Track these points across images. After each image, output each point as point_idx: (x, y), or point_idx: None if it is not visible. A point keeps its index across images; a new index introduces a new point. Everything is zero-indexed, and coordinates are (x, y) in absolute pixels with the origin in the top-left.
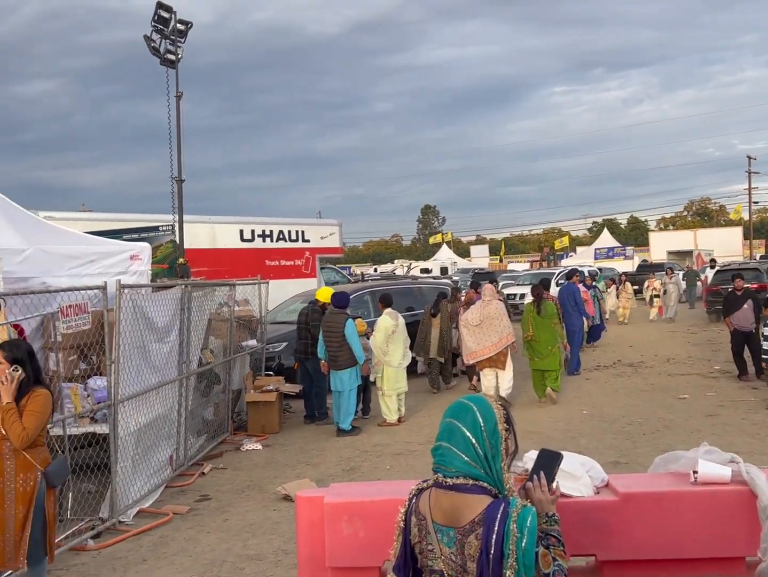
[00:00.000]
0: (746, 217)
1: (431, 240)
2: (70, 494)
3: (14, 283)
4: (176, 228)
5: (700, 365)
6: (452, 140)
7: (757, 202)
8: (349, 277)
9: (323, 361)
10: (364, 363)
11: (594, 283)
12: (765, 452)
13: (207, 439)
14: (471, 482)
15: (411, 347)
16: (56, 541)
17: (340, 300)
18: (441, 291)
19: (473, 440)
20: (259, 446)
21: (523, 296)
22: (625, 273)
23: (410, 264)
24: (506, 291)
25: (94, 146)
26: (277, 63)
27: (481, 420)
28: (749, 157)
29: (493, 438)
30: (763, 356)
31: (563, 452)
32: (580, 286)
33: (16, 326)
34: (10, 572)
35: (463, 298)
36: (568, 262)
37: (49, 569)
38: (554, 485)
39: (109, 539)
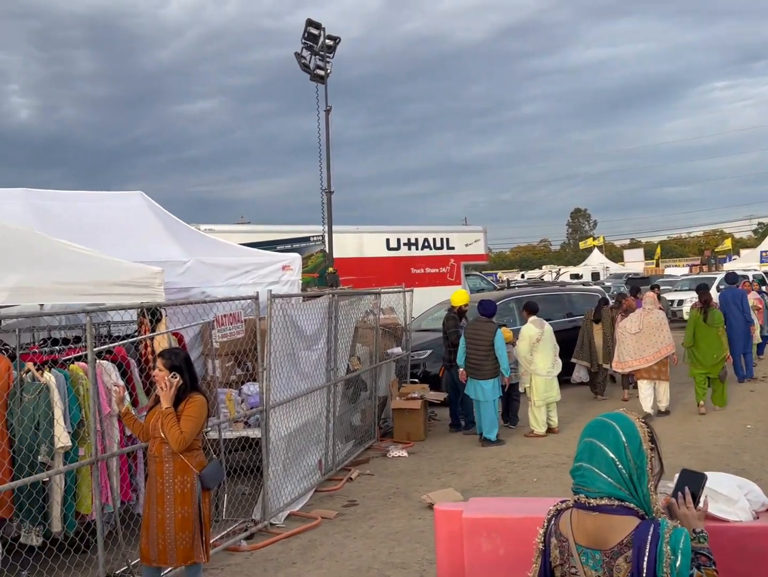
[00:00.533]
0: None
1: (582, 245)
2: (225, 496)
3: (176, 293)
4: (326, 238)
5: None
6: (603, 142)
7: None
8: (494, 284)
9: (461, 369)
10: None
11: (763, 288)
12: None
13: (354, 445)
14: (616, 503)
15: (562, 355)
16: (212, 541)
17: (487, 308)
18: (603, 297)
19: (616, 461)
20: (404, 453)
21: (681, 302)
22: None
23: (559, 270)
24: (666, 296)
25: (252, 161)
26: (424, 72)
27: (624, 439)
28: None
29: (638, 458)
30: None
31: (717, 473)
32: (753, 293)
33: (176, 334)
34: (170, 569)
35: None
36: (731, 266)
37: (205, 568)
38: (701, 502)
39: (261, 541)
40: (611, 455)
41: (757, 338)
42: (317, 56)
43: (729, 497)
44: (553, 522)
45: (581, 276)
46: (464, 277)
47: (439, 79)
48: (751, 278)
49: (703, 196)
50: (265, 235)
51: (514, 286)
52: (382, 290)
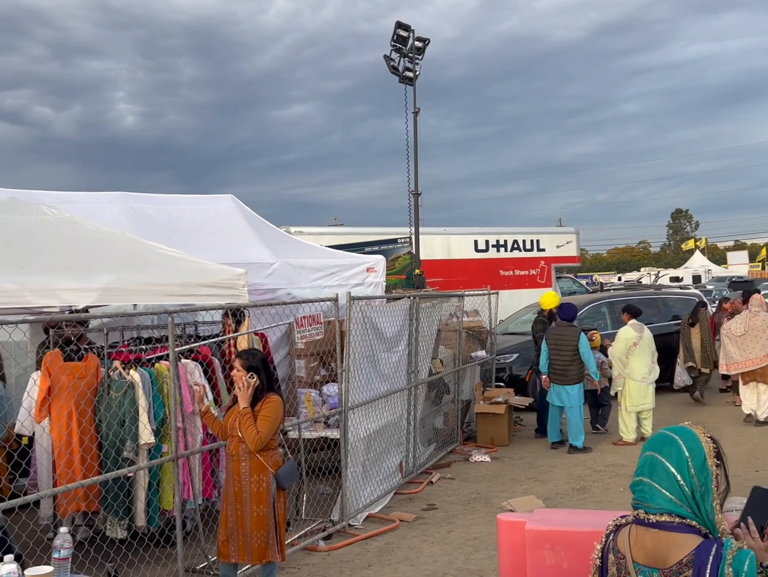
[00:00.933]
0: None
1: (683, 246)
2: (305, 495)
3: (263, 294)
4: (413, 240)
5: None
6: (706, 140)
7: None
8: (587, 287)
9: (544, 376)
10: (594, 379)
11: None
12: None
13: (436, 448)
14: (678, 520)
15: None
16: (291, 540)
17: (567, 312)
18: (700, 300)
19: (678, 477)
20: (487, 458)
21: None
22: None
23: (658, 272)
24: None
25: (346, 163)
26: (520, 72)
27: (687, 454)
28: None
29: (702, 474)
30: None
31: None
32: None
33: (260, 335)
34: (248, 566)
35: (727, 308)
36: None
37: (282, 567)
38: None
39: (338, 542)
40: (673, 470)
41: None
42: (406, 58)
43: None
44: (611, 538)
45: (681, 279)
46: (555, 280)
47: (534, 78)
48: None
49: None
50: (354, 237)
51: (608, 290)
52: (466, 293)
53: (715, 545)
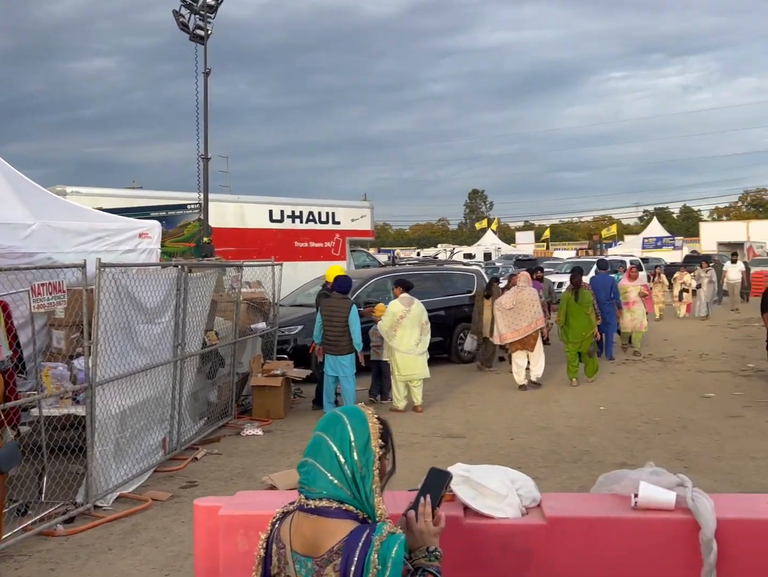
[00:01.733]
0: None
1: (477, 225)
2: (46, 476)
3: (19, 258)
4: (203, 206)
5: (733, 361)
6: (506, 125)
7: None
8: (378, 261)
9: (318, 346)
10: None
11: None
12: None
13: (208, 423)
14: (335, 505)
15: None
16: (25, 525)
17: (342, 285)
18: (494, 276)
19: (341, 457)
20: (259, 432)
21: (561, 284)
22: (658, 265)
23: (453, 249)
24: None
25: (151, 123)
26: (334, 44)
27: (351, 434)
28: None
29: (364, 456)
30: None
31: (493, 467)
32: (636, 281)
33: (1, 302)
34: None
35: (502, 286)
36: (615, 251)
37: (11, 554)
38: (441, 514)
39: (81, 525)
40: (335, 450)
41: (644, 325)
42: (197, 15)
43: (498, 493)
44: (276, 526)
45: (474, 256)
46: (349, 253)
47: (348, 52)
48: (629, 263)
49: (595, 183)
50: (140, 201)
51: (403, 264)
52: (245, 263)
53: (367, 531)
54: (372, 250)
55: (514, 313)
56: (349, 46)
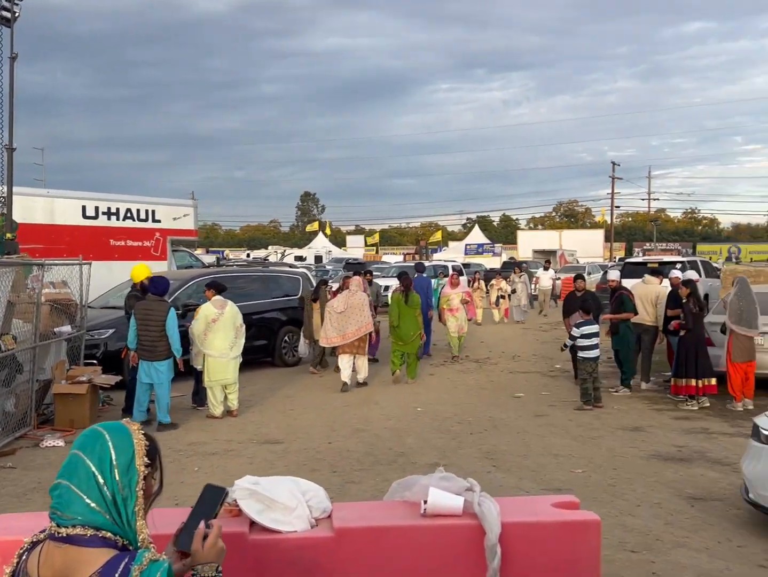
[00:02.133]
0: (609, 220)
1: (308, 228)
2: None
3: None
4: (6, 201)
5: (542, 363)
6: (338, 129)
7: (618, 207)
8: (202, 261)
9: (132, 352)
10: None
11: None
12: (583, 455)
13: (3, 434)
14: (90, 532)
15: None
16: None
17: (158, 286)
18: (322, 278)
19: (99, 478)
20: (61, 443)
21: (387, 287)
22: (477, 271)
23: (284, 251)
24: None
25: None
26: (162, 38)
27: (113, 452)
28: (613, 163)
29: (127, 476)
30: (578, 356)
31: (283, 478)
32: (458, 288)
33: None
34: None
35: (334, 288)
36: (440, 257)
37: None
38: (214, 532)
39: None
40: (94, 469)
41: (464, 330)
42: None
43: (287, 505)
44: (24, 557)
45: (305, 258)
46: (171, 253)
47: (178, 46)
48: (450, 268)
49: (423, 190)
50: None
51: (229, 265)
52: (47, 262)
53: (125, 560)
54: (200, 251)
55: (344, 317)
56: (179, 40)
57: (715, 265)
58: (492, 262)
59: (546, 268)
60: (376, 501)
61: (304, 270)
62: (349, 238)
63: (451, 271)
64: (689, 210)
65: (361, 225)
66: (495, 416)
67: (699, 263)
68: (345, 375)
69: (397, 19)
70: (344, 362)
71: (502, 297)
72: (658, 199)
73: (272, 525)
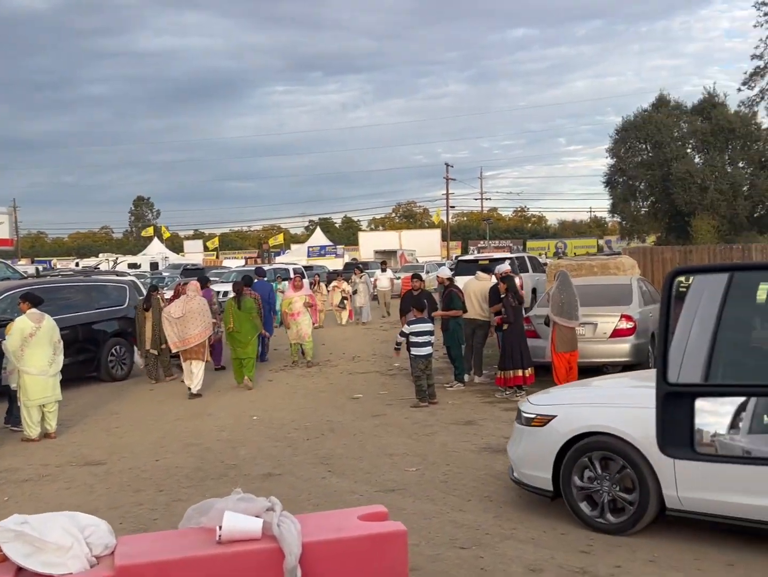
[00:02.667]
0: (445, 220)
1: (143, 233)
2: None
3: None
4: None
5: (381, 362)
6: (172, 131)
7: (453, 207)
8: (23, 273)
9: None
10: None
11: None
12: (418, 452)
13: None
14: None
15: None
16: None
17: None
18: (152, 285)
19: None
20: None
21: (226, 293)
22: (317, 273)
23: (116, 259)
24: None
25: None
26: None
27: None
28: (447, 165)
29: None
30: (410, 353)
31: (59, 514)
32: (301, 291)
33: None
34: None
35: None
36: (282, 260)
37: None
38: None
39: None
40: None
41: (308, 335)
42: None
43: (60, 545)
44: None
45: (140, 265)
46: None
47: None
48: (291, 271)
49: (264, 193)
50: None
51: (54, 275)
52: None
53: None
54: (24, 262)
55: (183, 322)
56: None
57: (541, 260)
58: (335, 264)
59: (383, 270)
60: (169, 530)
61: (132, 278)
62: (187, 243)
63: (293, 275)
64: (519, 209)
65: (201, 229)
66: (333, 419)
67: (527, 259)
68: (189, 381)
69: (229, 19)
70: (187, 368)
71: (345, 299)
72: (490, 199)
73: (43, 569)
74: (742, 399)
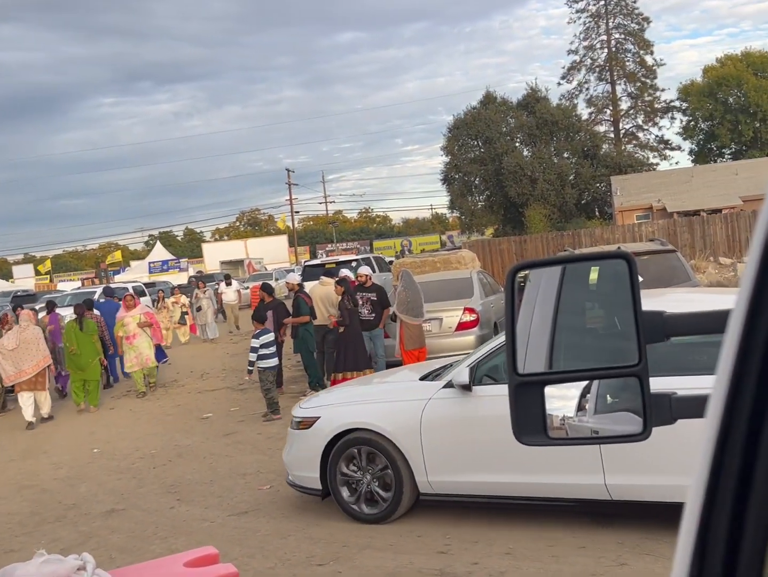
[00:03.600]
0: (291, 226)
1: None
2: None
3: None
4: None
5: (232, 377)
6: None
7: (298, 212)
8: None
9: None
10: None
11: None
12: (272, 469)
13: None
14: None
15: None
16: None
17: None
18: None
19: None
20: None
21: (65, 317)
22: (161, 289)
23: None
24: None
25: None
26: None
27: None
28: (288, 170)
29: None
30: (258, 366)
31: None
32: (135, 310)
33: None
34: None
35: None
36: (122, 278)
37: None
38: None
39: None
40: None
41: (151, 359)
42: None
43: None
44: None
45: None
46: None
47: None
48: (131, 289)
49: (98, 209)
50: None
51: None
52: None
53: None
54: None
55: (17, 353)
56: None
57: (387, 259)
58: (179, 278)
59: (228, 283)
60: None
61: None
62: (16, 268)
63: (130, 291)
64: (364, 210)
65: (31, 252)
66: (181, 443)
67: (372, 260)
68: (28, 414)
69: (48, 32)
70: (25, 399)
71: (185, 313)
72: (334, 202)
73: None
74: (585, 382)
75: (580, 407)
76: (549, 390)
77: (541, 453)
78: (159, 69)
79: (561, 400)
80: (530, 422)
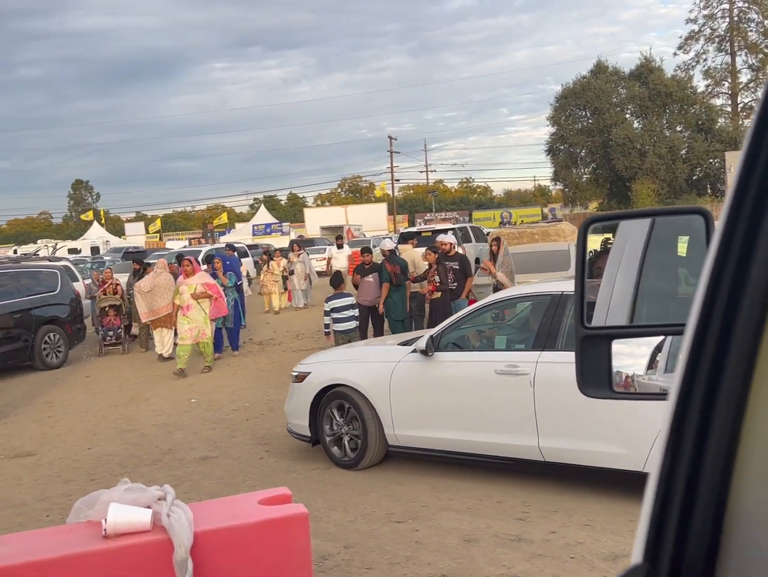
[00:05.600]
0: (391, 194)
1: (83, 217)
2: None
3: None
4: None
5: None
6: (110, 113)
7: (399, 180)
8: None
9: None
10: None
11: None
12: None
13: None
14: None
15: None
16: None
17: None
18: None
19: None
20: None
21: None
22: (267, 251)
23: (56, 244)
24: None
25: None
26: None
27: None
28: (390, 138)
29: None
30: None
31: None
32: (194, 279)
33: None
34: None
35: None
36: (227, 239)
37: None
38: None
39: None
40: None
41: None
42: None
43: None
44: None
45: (80, 250)
46: None
47: None
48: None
49: (207, 172)
50: None
51: None
52: None
53: None
54: None
55: (153, 295)
56: None
57: (485, 230)
58: (281, 241)
59: (340, 246)
60: (54, 526)
61: (65, 263)
62: (128, 226)
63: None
64: (464, 180)
65: (143, 211)
66: (273, 398)
67: (469, 229)
68: (162, 347)
69: None
70: (161, 335)
71: (285, 278)
72: (435, 171)
73: None
74: (658, 341)
75: (651, 366)
76: (618, 347)
77: (483, 414)
78: (270, 35)
79: (631, 357)
80: (595, 375)
